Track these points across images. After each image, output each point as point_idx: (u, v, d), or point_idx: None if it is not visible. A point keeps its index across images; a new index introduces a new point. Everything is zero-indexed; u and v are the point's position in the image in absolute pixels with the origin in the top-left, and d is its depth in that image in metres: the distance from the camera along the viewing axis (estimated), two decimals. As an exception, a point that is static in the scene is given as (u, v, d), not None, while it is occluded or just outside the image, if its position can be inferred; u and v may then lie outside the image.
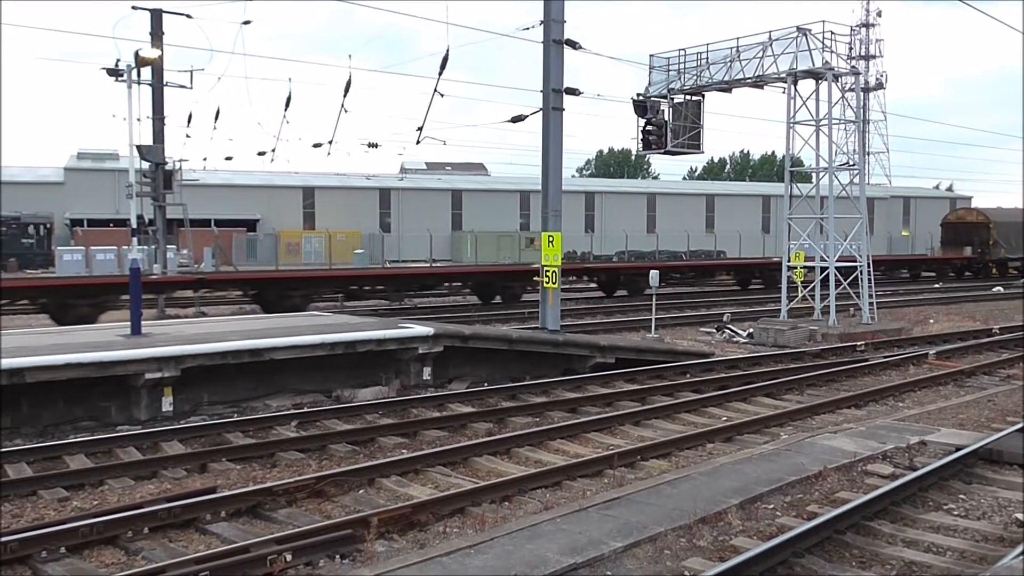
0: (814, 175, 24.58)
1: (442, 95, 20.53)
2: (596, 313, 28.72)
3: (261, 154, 30.01)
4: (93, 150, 54.32)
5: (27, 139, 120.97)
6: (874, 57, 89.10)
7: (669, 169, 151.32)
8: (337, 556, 7.02)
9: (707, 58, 24.08)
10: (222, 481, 9.36)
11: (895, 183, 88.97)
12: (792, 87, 23.12)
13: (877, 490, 8.06)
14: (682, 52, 24.53)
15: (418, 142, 21.56)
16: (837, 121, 23.86)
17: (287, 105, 26.60)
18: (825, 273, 23.25)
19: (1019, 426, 10.43)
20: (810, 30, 22.43)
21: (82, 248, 38.80)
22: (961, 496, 8.41)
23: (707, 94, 24.78)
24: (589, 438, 11.48)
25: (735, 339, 22.65)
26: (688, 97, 24.62)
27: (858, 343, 20.32)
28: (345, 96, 22.96)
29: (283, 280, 28.02)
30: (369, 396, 14.10)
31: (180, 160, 30.89)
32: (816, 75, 22.77)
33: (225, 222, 46.31)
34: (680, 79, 24.43)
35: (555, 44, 18.73)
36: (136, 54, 19.07)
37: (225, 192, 51.73)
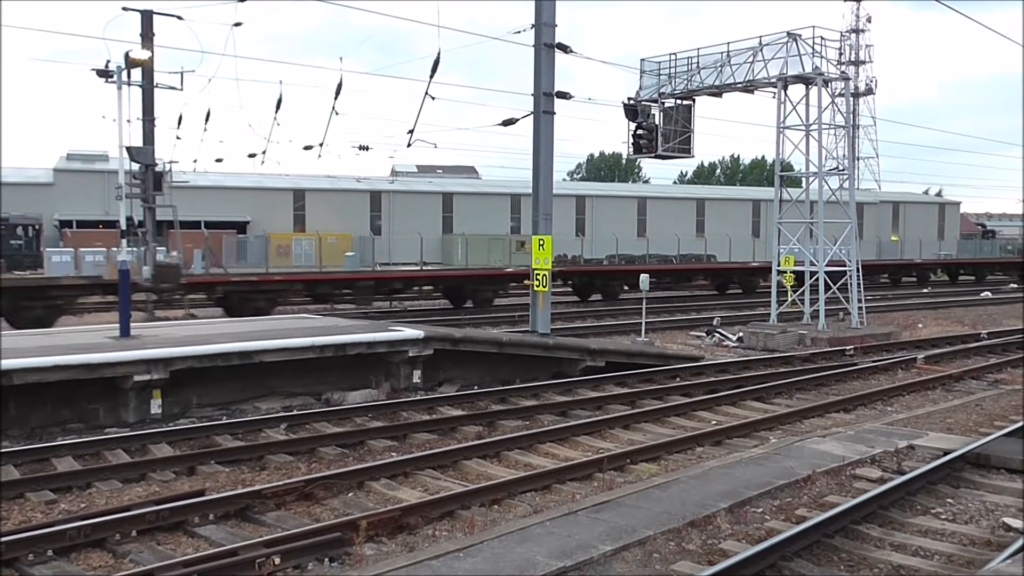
0: (804, 180, 24.68)
1: (433, 98, 20.54)
2: (586, 317, 28.76)
3: (252, 156, 29.89)
4: (83, 151, 54.05)
5: (16, 140, 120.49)
6: (864, 62, 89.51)
7: (660, 173, 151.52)
8: (326, 559, 7.01)
9: (698, 63, 24.16)
10: (211, 484, 9.33)
11: (884, 188, 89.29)
12: (782, 92, 23.21)
13: (865, 494, 8.09)
14: (673, 56, 24.61)
15: (409, 145, 21.53)
16: (827, 126, 23.99)
17: (278, 107, 26.53)
18: (815, 277, 23.34)
19: (1008, 430, 10.48)
20: (800, 35, 22.53)
21: (71, 249, 38.60)
22: (949, 500, 8.44)
23: (698, 98, 24.86)
24: (579, 441, 11.48)
25: (725, 343, 22.70)
26: (679, 101, 24.69)
27: (847, 347, 20.40)
28: (336, 98, 22.90)
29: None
30: (359, 399, 14.08)
31: (170, 162, 30.79)
32: (806, 80, 22.87)
33: (215, 224, 46.09)
34: (671, 83, 24.51)
35: (546, 48, 18.76)
36: (126, 55, 19.00)
37: (215, 194, 51.55)
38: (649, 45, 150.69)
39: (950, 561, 6.86)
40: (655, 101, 24.57)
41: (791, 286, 24.51)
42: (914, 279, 49.21)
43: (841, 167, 24.87)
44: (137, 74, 25.63)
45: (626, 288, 34.91)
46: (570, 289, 35.81)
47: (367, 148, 27.48)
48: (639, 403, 14.15)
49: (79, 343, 13.27)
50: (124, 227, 16.41)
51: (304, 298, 28.79)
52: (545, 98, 18.91)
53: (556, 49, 18.93)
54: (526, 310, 30.34)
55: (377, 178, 62.46)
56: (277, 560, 6.75)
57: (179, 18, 27.07)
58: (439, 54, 20.05)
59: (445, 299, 32.40)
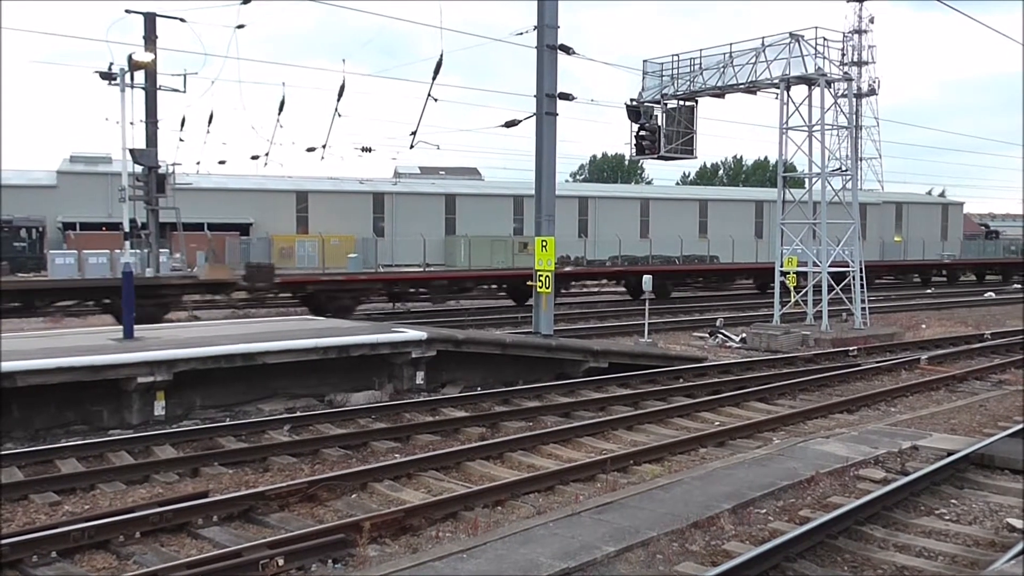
0: (807, 180, 24.66)
1: (436, 99, 20.53)
2: (589, 318, 28.75)
3: (255, 158, 29.90)
4: (86, 153, 54.16)
5: (20, 142, 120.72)
6: (866, 63, 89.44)
7: (662, 174, 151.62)
8: (329, 560, 7.01)
9: (700, 64, 24.16)
10: (214, 485, 9.34)
11: (887, 188, 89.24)
12: (785, 93, 23.19)
13: (869, 495, 8.09)
14: (675, 57, 24.62)
15: (412, 146, 21.52)
16: (830, 127, 23.95)
17: (281, 109, 26.58)
18: (818, 278, 23.32)
19: (1012, 430, 10.47)
20: (803, 36, 22.52)
21: (74, 252, 38.65)
22: (953, 501, 8.43)
23: (700, 99, 24.85)
24: (582, 442, 11.48)
25: (728, 344, 22.69)
26: (681, 102, 24.69)
27: (851, 348, 20.37)
28: (339, 100, 22.92)
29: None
30: (362, 400, 14.08)
31: (173, 164, 30.86)
32: (809, 81, 22.85)
33: (218, 226, 46.23)
34: (674, 84, 24.50)
35: (549, 49, 18.77)
36: (129, 58, 19.03)
37: (218, 196, 51.61)
38: (651, 46, 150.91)
39: (954, 562, 6.85)
40: (658, 102, 24.57)
41: (794, 287, 24.49)
42: (944, 278, 51.61)
43: (844, 168, 24.85)
44: (140, 76, 25.70)
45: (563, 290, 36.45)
46: (623, 288, 37.65)
47: (370, 150, 27.49)
48: (642, 404, 14.15)
49: (82, 345, 13.29)
50: (127, 229, 16.44)
51: (381, 296, 30.41)
52: (548, 99, 18.92)
53: (558, 50, 18.93)
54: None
55: (380, 180, 62.47)
56: (281, 561, 6.75)
57: (182, 20, 27.15)
58: (441, 56, 20.07)
59: (510, 297, 33.84)
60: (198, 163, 36.96)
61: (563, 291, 34.85)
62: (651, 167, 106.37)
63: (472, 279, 33.56)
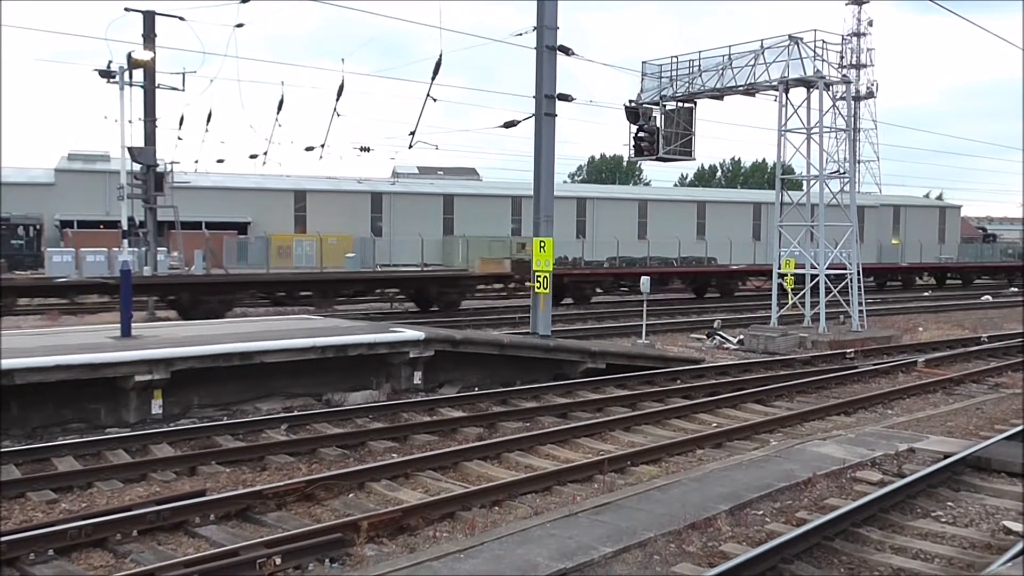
0: (805, 183, 24.69)
1: (435, 100, 20.58)
2: (587, 319, 28.76)
3: (253, 157, 29.93)
4: (84, 151, 54.16)
5: (18, 140, 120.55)
6: (865, 66, 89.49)
7: (661, 176, 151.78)
8: (327, 560, 7.01)
9: (699, 65, 24.16)
10: (211, 484, 9.34)
11: (885, 191, 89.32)
12: (783, 95, 23.20)
13: (866, 497, 8.10)
14: (674, 59, 24.62)
15: (410, 146, 21.58)
16: (828, 129, 23.96)
17: (279, 108, 26.62)
18: (815, 280, 23.35)
19: (1008, 433, 10.49)
20: (802, 39, 22.53)
21: (72, 249, 38.62)
22: (949, 503, 8.44)
23: (699, 101, 24.85)
24: (579, 443, 11.49)
25: (725, 345, 22.70)
26: (680, 104, 24.68)
27: (848, 350, 20.40)
28: (338, 100, 22.97)
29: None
30: (360, 400, 14.09)
31: (171, 162, 30.90)
32: (807, 83, 22.87)
33: (216, 225, 46.18)
34: (672, 86, 24.50)
35: (548, 50, 18.76)
36: (129, 56, 19.05)
37: (216, 195, 51.62)
38: (651, 48, 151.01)
39: (950, 564, 6.86)
40: (656, 103, 24.56)
41: (791, 289, 24.52)
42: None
43: (842, 170, 24.87)
44: (139, 75, 25.77)
45: (741, 284, 40.00)
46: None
47: (368, 149, 27.59)
48: (640, 405, 14.15)
49: (81, 343, 13.28)
50: (125, 227, 16.44)
51: (612, 286, 34.67)
52: (546, 100, 18.92)
53: (558, 51, 18.93)
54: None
55: (378, 179, 62.49)
56: (278, 560, 6.76)
57: (181, 19, 27.19)
58: (441, 56, 20.10)
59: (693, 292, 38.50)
60: (196, 161, 37.02)
61: (741, 284, 37.60)
62: (649, 168, 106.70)
63: (673, 274, 39.11)
